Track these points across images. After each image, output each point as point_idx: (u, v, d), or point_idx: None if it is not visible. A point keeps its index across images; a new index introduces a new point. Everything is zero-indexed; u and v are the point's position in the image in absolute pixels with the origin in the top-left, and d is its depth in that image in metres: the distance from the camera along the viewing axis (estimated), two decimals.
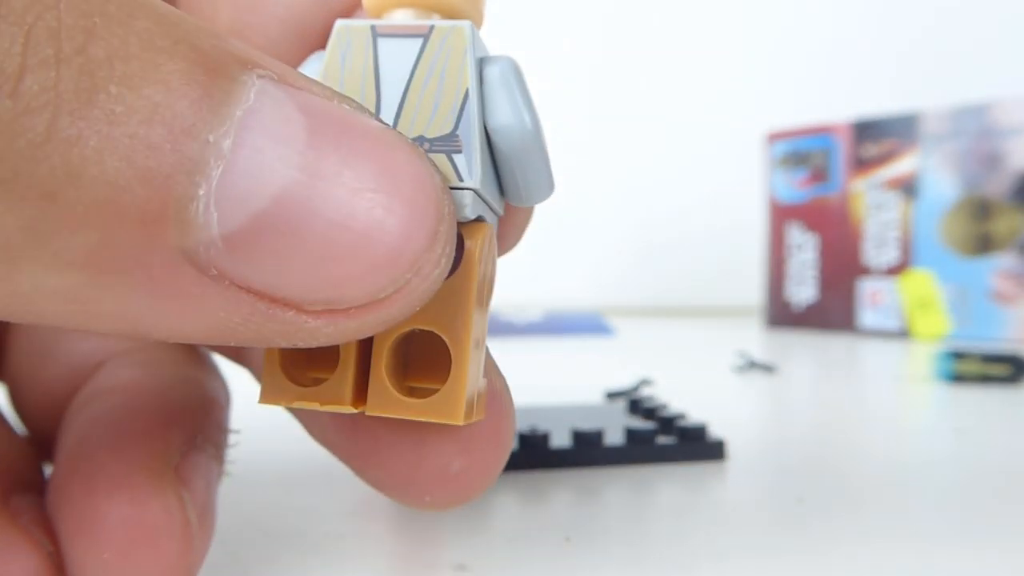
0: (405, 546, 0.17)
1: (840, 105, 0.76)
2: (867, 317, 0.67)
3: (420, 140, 0.11)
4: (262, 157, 0.09)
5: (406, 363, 0.12)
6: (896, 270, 0.66)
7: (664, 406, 0.26)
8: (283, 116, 0.09)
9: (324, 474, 0.22)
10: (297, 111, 0.09)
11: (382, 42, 0.12)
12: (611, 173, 0.96)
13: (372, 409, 0.12)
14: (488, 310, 0.13)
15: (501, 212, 0.13)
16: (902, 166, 0.65)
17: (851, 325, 0.69)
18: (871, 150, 0.67)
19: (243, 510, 0.19)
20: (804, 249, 0.72)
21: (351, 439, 0.14)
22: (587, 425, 0.23)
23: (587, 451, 0.23)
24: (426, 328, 0.11)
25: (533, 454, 0.22)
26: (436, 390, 0.11)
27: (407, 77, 0.12)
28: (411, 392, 0.12)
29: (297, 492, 0.21)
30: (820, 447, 0.26)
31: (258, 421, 0.29)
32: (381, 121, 0.10)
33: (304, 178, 0.09)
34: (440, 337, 0.12)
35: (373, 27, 0.12)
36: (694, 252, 0.98)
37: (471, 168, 0.11)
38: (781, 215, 0.74)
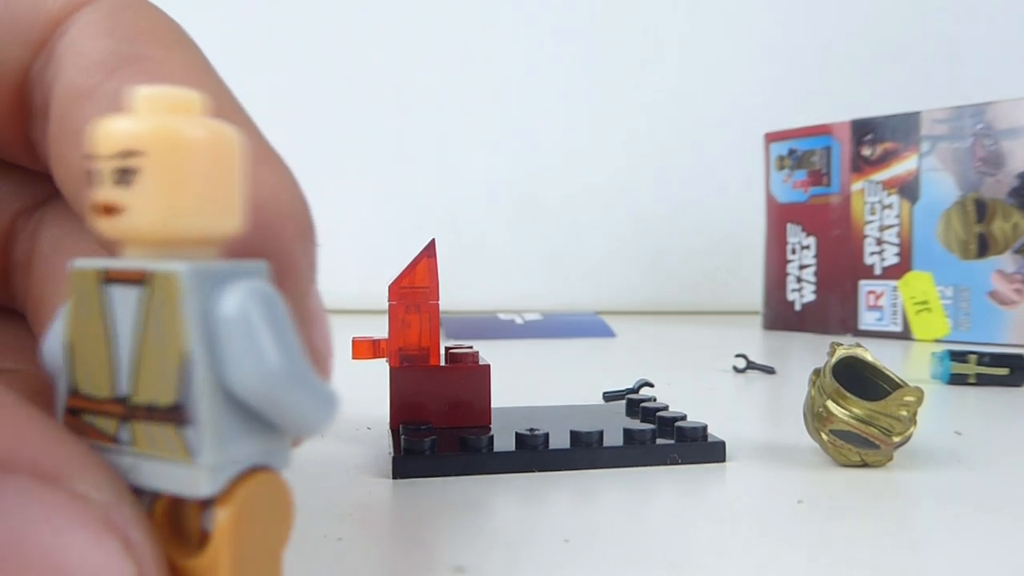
0: (403, 548, 0.17)
1: (840, 105, 0.76)
2: (867, 318, 0.67)
3: (151, 408, 0.10)
4: None
5: None
6: (896, 271, 0.66)
7: (665, 407, 0.26)
8: None
9: (322, 476, 0.22)
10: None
11: (111, 289, 0.11)
12: (610, 174, 0.96)
13: None
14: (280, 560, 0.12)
15: (284, 443, 0.12)
16: (902, 167, 0.65)
17: (851, 326, 0.68)
18: (871, 151, 0.67)
19: None
20: (804, 250, 0.72)
21: None
22: (586, 427, 0.23)
23: (586, 453, 0.23)
24: None
25: (532, 456, 0.22)
26: None
27: (134, 332, 0.10)
28: None
29: (295, 494, 0.20)
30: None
31: None
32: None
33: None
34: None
35: (101, 271, 0.11)
36: (694, 253, 0.98)
37: (201, 443, 0.10)
38: (781, 216, 0.74)
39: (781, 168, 0.73)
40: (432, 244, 0.25)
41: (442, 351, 0.26)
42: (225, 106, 0.14)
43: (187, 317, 0.10)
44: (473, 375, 0.25)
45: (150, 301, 0.10)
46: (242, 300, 0.10)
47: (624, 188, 0.97)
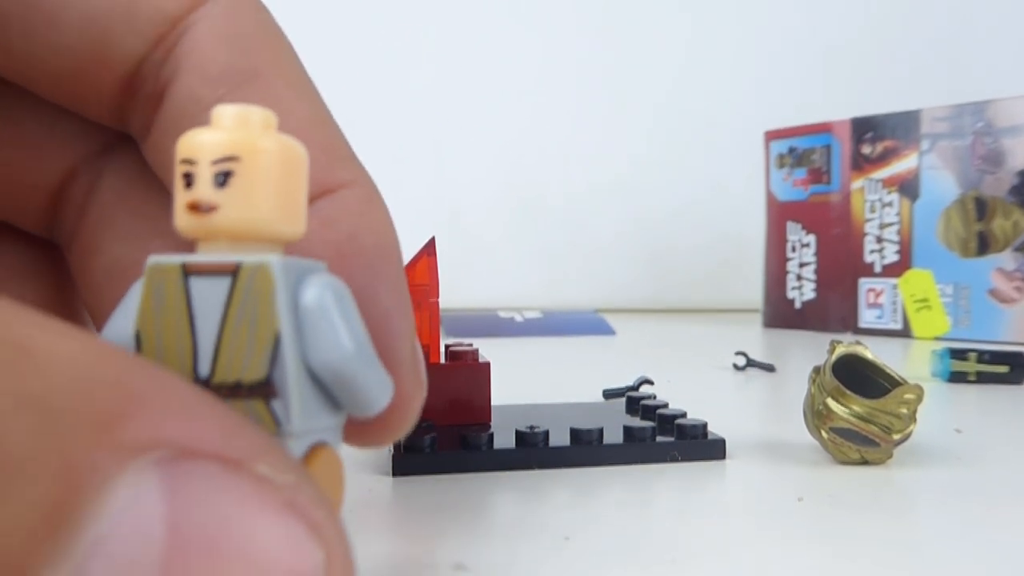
0: (403, 545, 0.17)
1: (840, 103, 0.76)
2: (867, 316, 0.67)
3: (237, 386, 0.11)
4: None
5: None
6: (896, 269, 0.66)
7: (664, 405, 0.26)
8: (141, 536, 0.08)
9: None
10: (161, 523, 0.09)
11: (193, 281, 0.11)
12: (610, 172, 0.96)
13: None
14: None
15: (341, 423, 0.13)
16: (902, 165, 0.65)
17: (851, 324, 0.68)
18: (871, 149, 0.67)
19: None
20: (804, 248, 0.72)
21: None
22: (586, 424, 0.23)
23: (586, 450, 0.23)
24: None
25: (532, 453, 0.22)
26: None
27: (220, 319, 0.11)
28: None
29: None
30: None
31: None
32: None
33: None
34: None
35: (183, 265, 0.12)
36: (694, 251, 0.98)
37: (288, 413, 0.11)
38: (781, 214, 0.74)
39: (781, 166, 0.73)
40: (432, 242, 0.25)
41: (442, 349, 0.26)
42: (327, 128, 0.15)
43: (279, 303, 0.11)
44: (473, 373, 0.25)
45: (240, 290, 0.11)
46: (320, 291, 0.12)
47: (624, 186, 0.97)
